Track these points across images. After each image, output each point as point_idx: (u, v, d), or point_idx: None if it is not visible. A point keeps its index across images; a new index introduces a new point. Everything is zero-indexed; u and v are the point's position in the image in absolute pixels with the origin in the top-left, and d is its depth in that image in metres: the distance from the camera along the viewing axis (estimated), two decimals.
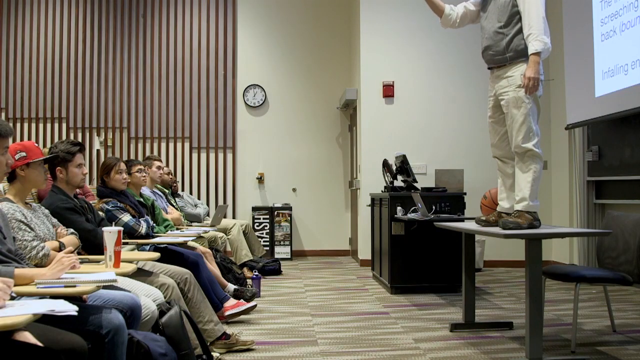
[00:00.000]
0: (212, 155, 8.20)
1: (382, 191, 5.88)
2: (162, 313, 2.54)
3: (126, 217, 3.67)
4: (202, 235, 4.81)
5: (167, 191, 5.51)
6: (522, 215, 3.23)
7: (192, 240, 4.17)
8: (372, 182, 6.64)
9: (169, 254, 3.70)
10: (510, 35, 3.29)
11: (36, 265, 2.39)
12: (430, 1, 3.66)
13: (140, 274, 2.95)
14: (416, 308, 4.61)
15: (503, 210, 3.45)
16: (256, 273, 5.22)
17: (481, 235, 4.86)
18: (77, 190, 3.25)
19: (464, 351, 3.37)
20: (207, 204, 7.96)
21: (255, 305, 4.19)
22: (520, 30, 3.26)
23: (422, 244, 5.23)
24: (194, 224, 5.75)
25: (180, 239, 3.78)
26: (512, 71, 3.30)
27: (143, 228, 3.71)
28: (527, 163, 3.26)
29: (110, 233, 2.46)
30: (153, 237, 3.79)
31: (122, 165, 3.87)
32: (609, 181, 5.77)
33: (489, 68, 3.49)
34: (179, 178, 7.99)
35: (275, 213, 7.84)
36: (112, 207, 3.69)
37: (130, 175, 4.21)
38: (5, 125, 2.19)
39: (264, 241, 7.72)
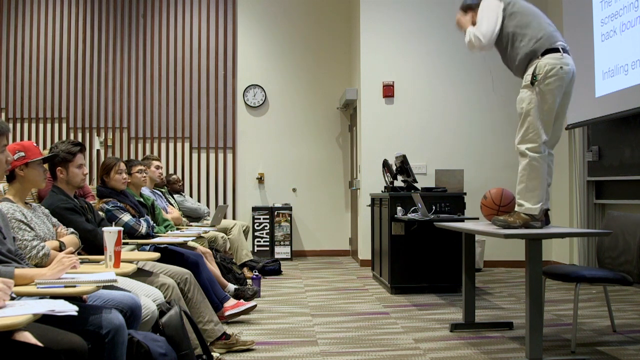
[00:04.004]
0: (212, 155, 8.20)
1: (382, 191, 5.88)
2: (162, 313, 2.54)
3: (126, 217, 3.67)
4: (202, 235, 4.81)
5: (163, 190, 5.49)
6: (517, 215, 3.26)
7: (192, 240, 4.17)
8: (372, 182, 6.64)
9: (169, 254, 3.70)
10: (511, 53, 3.40)
11: (36, 265, 2.39)
12: None
13: (140, 274, 2.95)
14: (416, 308, 4.61)
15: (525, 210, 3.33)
16: (256, 273, 5.22)
17: (481, 235, 4.86)
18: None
19: (464, 351, 3.37)
20: (207, 204, 7.97)
21: (255, 306, 4.19)
22: (513, 45, 3.37)
23: (422, 244, 5.23)
24: (193, 223, 5.74)
25: (180, 239, 3.78)
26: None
27: (143, 228, 3.71)
28: (523, 166, 3.29)
29: (110, 233, 2.46)
30: (153, 237, 3.79)
31: (122, 165, 3.87)
32: (609, 181, 5.77)
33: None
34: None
35: (275, 213, 7.84)
36: (112, 207, 3.69)
37: (131, 176, 4.21)
38: (2, 123, 2.19)
39: (264, 241, 7.72)
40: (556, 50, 3.27)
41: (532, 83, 3.25)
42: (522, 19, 3.38)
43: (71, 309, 1.70)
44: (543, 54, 3.27)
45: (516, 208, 3.31)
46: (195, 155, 8.19)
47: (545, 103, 3.25)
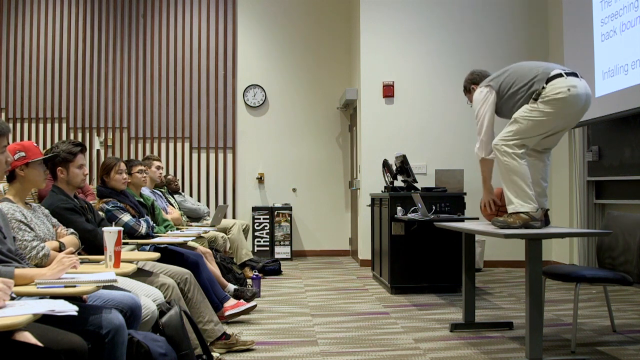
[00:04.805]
0: (212, 155, 8.20)
1: (382, 191, 5.88)
2: (162, 313, 2.54)
3: (126, 217, 3.67)
4: (202, 235, 4.81)
5: (163, 190, 5.49)
6: (516, 215, 3.25)
7: (192, 240, 4.17)
8: (372, 182, 6.64)
9: (169, 254, 3.70)
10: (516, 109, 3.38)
11: (36, 265, 2.39)
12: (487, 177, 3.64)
13: (140, 274, 2.95)
14: (416, 308, 4.61)
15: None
16: (256, 273, 5.22)
17: (481, 235, 4.86)
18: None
19: (464, 351, 3.37)
20: (207, 204, 7.97)
21: (255, 305, 4.19)
22: (513, 99, 3.39)
23: (422, 244, 5.23)
24: (193, 223, 5.74)
25: (180, 239, 3.78)
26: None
27: (143, 228, 3.71)
28: (500, 166, 3.32)
29: (110, 233, 2.46)
30: (153, 237, 3.79)
31: (122, 165, 3.87)
32: (609, 181, 5.77)
33: None
34: (178, 177, 7.98)
35: (275, 213, 7.84)
36: (112, 207, 3.69)
37: (131, 176, 4.21)
38: (2, 123, 2.19)
39: (264, 241, 7.72)
40: (558, 75, 3.23)
41: (534, 99, 3.25)
42: (515, 77, 3.39)
43: (71, 309, 1.70)
44: (547, 83, 3.23)
45: (511, 209, 3.29)
46: (195, 155, 8.19)
47: (541, 120, 3.23)
